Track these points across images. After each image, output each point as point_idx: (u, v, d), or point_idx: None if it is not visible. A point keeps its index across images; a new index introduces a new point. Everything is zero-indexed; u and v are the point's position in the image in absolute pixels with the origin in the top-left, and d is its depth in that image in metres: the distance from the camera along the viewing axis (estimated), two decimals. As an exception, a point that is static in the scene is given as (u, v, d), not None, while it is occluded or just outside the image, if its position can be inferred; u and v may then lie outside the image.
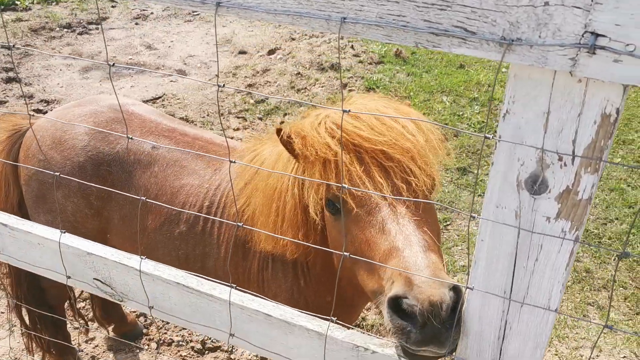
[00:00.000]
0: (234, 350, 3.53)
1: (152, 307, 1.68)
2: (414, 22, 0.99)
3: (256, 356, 3.47)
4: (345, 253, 1.39)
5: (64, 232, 1.69)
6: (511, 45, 0.93)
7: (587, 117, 0.96)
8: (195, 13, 9.12)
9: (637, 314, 3.78)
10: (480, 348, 1.32)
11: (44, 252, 1.76)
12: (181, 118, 5.96)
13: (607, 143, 0.97)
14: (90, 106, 2.65)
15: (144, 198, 1.41)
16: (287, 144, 1.86)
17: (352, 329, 1.56)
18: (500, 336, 1.28)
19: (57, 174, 1.63)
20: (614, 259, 4.24)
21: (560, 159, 1.02)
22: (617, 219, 4.67)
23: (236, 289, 1.54)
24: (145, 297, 1.67)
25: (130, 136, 1.37)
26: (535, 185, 1.07)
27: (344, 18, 1.03)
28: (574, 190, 1.03)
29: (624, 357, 3.45)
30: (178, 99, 6.42)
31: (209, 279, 1.63)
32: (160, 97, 6.49)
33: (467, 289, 1.25)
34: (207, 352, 3.52)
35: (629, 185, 5.07)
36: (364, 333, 1.49)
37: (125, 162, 2.48)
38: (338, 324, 1.45)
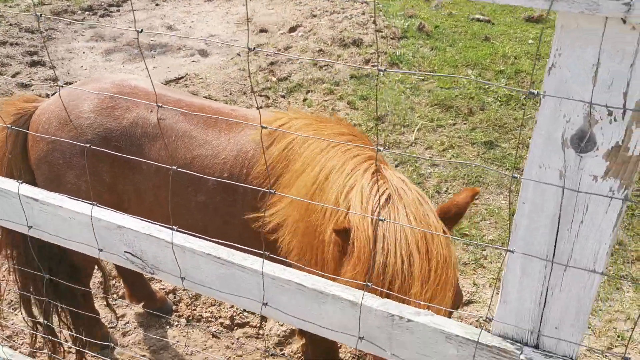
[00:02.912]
0: (263, 325, 3.54)
1: (184, 279, 1.67)
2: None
3: (285, 331, 3.48)
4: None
5: (95, 205, 1.69)
6: (559, -9, 0.88)
7: (640, 67, 0.91)
8: (215, -8, 9.05)
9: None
10: (519, 316, 1.28)
11: (75, 225, 1.76)
12: (204, 97, 5.96)
13: (661, 94, 0.92)
14: (94, 84, 2.67)
15: (174, 167, 1.39)
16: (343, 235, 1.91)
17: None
18: (541, 302, 1.24)
19: (88, 145, 1.60)
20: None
21: (609, 114, 0.97)
22: (650, 191, 4.56)
23: (268, 257, 1.52)
24: (177, 268, 1.66)
25: (160, 104, 1.34)
26: (582, 142, 1.02)
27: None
28: (624, 147, 0.98)
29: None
30: (201, 78, 6.41)
31: (240, 247, 1.62)
32: (182, 77, 6.48)
33: (508, 252, 1.21)
34: (236, 327, 3.54)
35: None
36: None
37: (133, 135, 2.48)
38: (375, 289, 1.43)
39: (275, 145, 2.27)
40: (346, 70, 6.40)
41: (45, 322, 2.79)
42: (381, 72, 1.20)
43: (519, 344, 1.31)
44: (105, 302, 3.52)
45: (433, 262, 1.80)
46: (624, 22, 0.88)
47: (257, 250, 1.58)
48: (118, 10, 8.58)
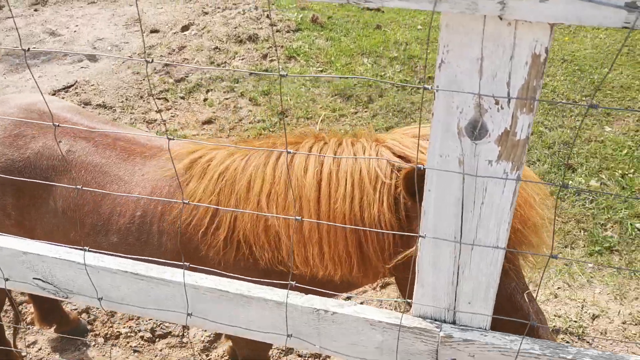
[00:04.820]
0: (185, 334, 3.49)
1: (102, 299, 1.63)
2: (345, -21, 0.98)
3: (209, 336, 3.45)
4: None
5: (-6, 234, 1.60)
6: (443, -6, 0.94)
7: (518, 59, 1.00)
8: (99, -6, 8.67)
9: (565, 247, 4.03)
10: (436, 295, 1.36)
11: (-24, 257, 1.66)
12: (98, 105, 5.72)
13: (539, 83, 1.01)
14: None
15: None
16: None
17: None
18: (454, 281, 1.33)
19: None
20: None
21: (496, 103, 1.05)
22: (538, 160, 4.91)
23: (189, 268, 1.51)
24: (93, 289, 1.61)
25: (57, 123, 1.29)
26: (476, 130, 1.10)
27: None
28: (512, 132, 1.07)
29: (559, 287, 3.67)
30: (92, 85, 6.13)
31: (157, 260, 1.59)
32: (72, 85, 6.18)
33: (420, 238, 1.28)
34: (158, 339, 3.47)
35: (546, 128, 5.33)
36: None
37: (38, 168, 2.28)
38: (298, 287, 1.46)
39: (195, 182, 2.11)
40: (244, 67, 6.37)
41: None
42: (283, 76, 1.22)
43: (437, 322, 1.39)
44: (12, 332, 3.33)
45: None
46: (501, 19, 0.96)
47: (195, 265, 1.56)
48: (-9, 19, 8.01)
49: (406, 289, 1.81)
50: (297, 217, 1.30)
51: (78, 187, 1.36)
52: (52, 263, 1.61)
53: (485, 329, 1.38)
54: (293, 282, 1.44)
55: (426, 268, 1.33)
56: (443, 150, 1.14)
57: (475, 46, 1.01)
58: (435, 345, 1.39)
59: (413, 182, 1.70)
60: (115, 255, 2.24)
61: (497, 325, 1.42)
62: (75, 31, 7.67)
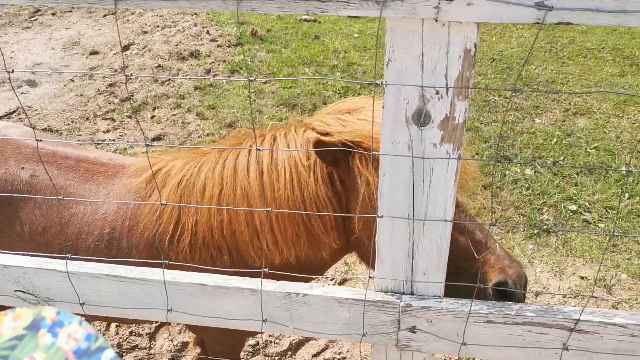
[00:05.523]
0: (152, 345, 3.55)
1: (84, 304, 1.71)
2: (301, -7, 1.14)
3: (176, 346, 3.51)
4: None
5: (-24, 250, 1.66)
6: (386, 3, 1.11)
7: (453, 54, 1.18)
8: (33, 18, 8.54)
9: (507, 232, 4.31)
10: (395, 270, 1.53)
11: (-44, 274, 1.71)
12: (44, 129, 5.67)
13: (471, 73, 1.19)
14: None
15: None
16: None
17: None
18: (410, 255, 1.50)
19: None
20: (481, 190, 4.76)
21: (437, 93, 1.23)
22: (477, 153, 5.21)
23: (168, 266, 1.62)
24: (75, 295, 1.69)
25: (40, 139, 1.38)
26: (421, 118, 1.27)
27: (239, -4, 1.16)
28: (451, 117, 1.25)
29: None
30: (35, 110, 6.07)
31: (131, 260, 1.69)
32: (14, 111, 6.09)
33: (377, 218, 1.44)
34: (125, 353, 3.50)
35: (482, 123, 5.65)
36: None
37: (2, 192, 2.31)
38: (272, 273, 1.59)
39: (157, 192, 2.19)
40: (189, 83, 6.45)
41: None
42: (252, 81, 1.36)
43: (398, 294, 1.56)
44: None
45: None
46: (436, 21, 1.14)
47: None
48: None
49: (368, 260, 2.00)
50: (268, 209, 1.44)
51: (60, 197, 1.45)
52: (34, 274, 1.68)
53: (440, 297, 1.55)
54: (266, 270, 1.58)
55: (384, 246, 1.49)
56: (394, 137, 1.31)
57: (416, 45, 1.18)
58: (397, 315, 1.55)
59: (321, 150, 1.92)
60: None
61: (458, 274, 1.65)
62: (11, 57, 7.53)
